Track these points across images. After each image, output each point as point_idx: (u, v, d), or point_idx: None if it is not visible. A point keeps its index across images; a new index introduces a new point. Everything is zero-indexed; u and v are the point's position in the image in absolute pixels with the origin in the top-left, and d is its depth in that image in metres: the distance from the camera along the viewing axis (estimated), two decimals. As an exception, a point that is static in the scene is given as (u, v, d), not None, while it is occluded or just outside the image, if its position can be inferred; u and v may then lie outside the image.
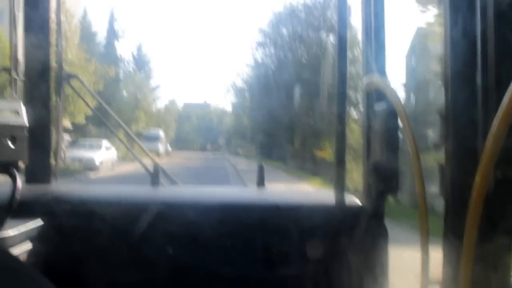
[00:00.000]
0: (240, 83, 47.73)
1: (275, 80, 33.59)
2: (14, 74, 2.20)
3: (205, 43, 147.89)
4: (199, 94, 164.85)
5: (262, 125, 38.26)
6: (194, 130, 77.59)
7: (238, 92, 48.53)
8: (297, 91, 27.33)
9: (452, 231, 1.35)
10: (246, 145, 60.46)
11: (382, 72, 1.75)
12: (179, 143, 73.31)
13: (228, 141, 70.55)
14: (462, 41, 1.35)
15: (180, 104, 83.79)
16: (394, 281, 1.78)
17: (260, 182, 2.28)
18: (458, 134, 1.35)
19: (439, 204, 1.70)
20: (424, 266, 1.32)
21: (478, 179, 1.11)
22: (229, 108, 75.85)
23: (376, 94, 1.75)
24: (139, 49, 64.68)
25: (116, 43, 56.07)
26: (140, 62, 63.03)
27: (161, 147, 39.26)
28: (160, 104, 62.48)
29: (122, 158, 28.47)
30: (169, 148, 52.29)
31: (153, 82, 62.88)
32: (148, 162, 2.53)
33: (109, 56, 47.82)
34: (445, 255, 1.38)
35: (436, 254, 1.38)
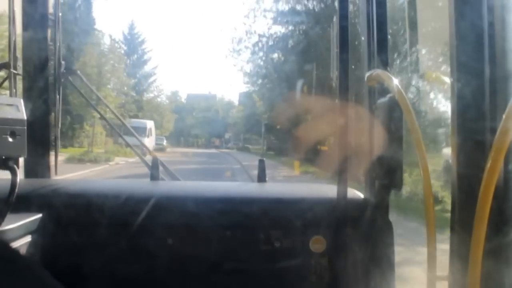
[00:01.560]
0: (251, 66, 37.91)
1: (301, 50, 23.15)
2: (12, 69, 2.19)
3: (209, 28, 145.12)
4: (203, 84, 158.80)
5: (279, 112, 25.26)
6: (198, 124, 68.60)
7: (248, 75, 39.24)
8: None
9: (460, 225, 1.33)
10: (258, 140, 54.26)
11: (385, 64, 1.73)
12: (181, 138, 67.96)
13: (236, 135, 64.03)
14: (469, 33, 1.34)
15: (183, 95, 77.92)
16: (401, 276, 1.77)
17: (261, 177, 2.26)
18: (465, 126, 1.34)
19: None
20: (431, 261, 1.30)
21: (487, 171, 1.09)
22: (235, 98, 70.21)
23: (379, 87, 1.74)
24: (131, 28, 56.52)
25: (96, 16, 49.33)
26: (133, 43, 55.21)
27: (147, 142, 29.36)
28: (156, 92, 56.41)
29: (78, 160, 22.58)
30: (164, 144, 45.45)
31: (147, 67, 56.16)
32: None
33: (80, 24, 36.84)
34: (452, 249, 1.36)
35: (444, 248, 1.37)
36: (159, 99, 55.50)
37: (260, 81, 34.89)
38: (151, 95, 54.48)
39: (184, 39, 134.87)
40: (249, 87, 43.47)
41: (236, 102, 68.70)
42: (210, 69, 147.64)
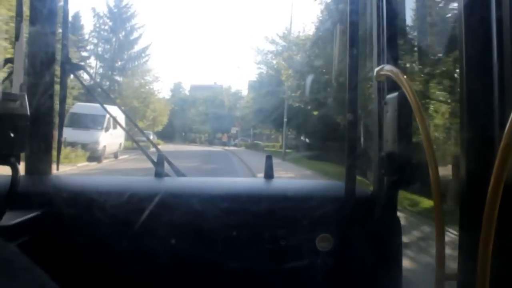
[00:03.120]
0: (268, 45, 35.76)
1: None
2: (18, 64, 2.18)
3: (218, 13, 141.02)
4: (208, 75, 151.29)
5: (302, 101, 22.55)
6: (201, 117, 60.16)
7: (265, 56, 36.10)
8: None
9: (469, 222, 1.31)
10: (270, 136, 48.77)
11: (394, 60, 1.72)
12: (182, 133, 61.75)
13: (244, 130, 54.34)
14: (478, 29, 1.33)
15: (187, 87, 71.07)
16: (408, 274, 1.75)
17: (268, 173, 2.24)
18: (474, 122, 1.32)
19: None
20: (439, 259, 1.28)
21: (496, 167, 1.07)
22: (243, 88, 61.65)
23: (388, 83, 1.72)
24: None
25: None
26: (120, 18, 45.43)
27: (104, 139, 21.20)
28: (141, 74, 45.42)
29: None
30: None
31: (138, 47, 46.80)
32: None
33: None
34: (461, 247, 1.35)
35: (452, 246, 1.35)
36: (148, 87, 44.67)
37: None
38: (142, 80, 43.82)
39: (188, 26, 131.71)
40: (261, 69, 38.48)
41: (244, 92, 61.66)
42: (215, 58, 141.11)
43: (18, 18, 2.20)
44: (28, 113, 1.49)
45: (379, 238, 1.74)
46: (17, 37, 2.19)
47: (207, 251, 1.78)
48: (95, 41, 43.99)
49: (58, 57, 2.30)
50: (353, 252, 1.76)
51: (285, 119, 28.45)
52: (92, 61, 43.60)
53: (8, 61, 2.21)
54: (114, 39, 45.68)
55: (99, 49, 45.96)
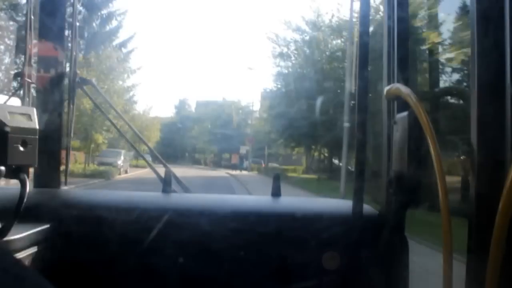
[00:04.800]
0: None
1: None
2: (27, 79, 2.20)
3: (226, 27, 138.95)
4: (216, 90, 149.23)
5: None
6: (205, 134, 54.38)
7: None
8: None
9: (478, 246, 1.30)
10: (289, 157, 42.57)
11: (405, 81, 1.72)
12: (183, 154, 57.16)
13: (256, 148, 44.98)
14: (490, 52, 1.32)
15: (193, 104, 66.87)
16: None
17: (276, 192, 2.23)
18: (485, 145, 1.31)
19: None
20: (447, 283, 1.27)
21: (506, 191, 1.06)
22: (252, 101, 54.15)
23: (398, 103, 1.72)
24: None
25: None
26: (93, 3, 33.06)
27: None
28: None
29: None
30: (119, 162, 30.08)
31: (119, 41, 35.33)
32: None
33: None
34: (469, 272, 1.33)
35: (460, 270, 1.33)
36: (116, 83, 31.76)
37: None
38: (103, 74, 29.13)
39: (197, 40, 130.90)
40: (280, 67, 32.18)
41: (256, 106, 52.96)
42: (223, 73, 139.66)
43: (27, 33, 2.22)
44: (38, 127, 1.50)
45: (386, 259, 1.72)
46: (26, 52, 2.21)
47: (214, 270, 1.77)
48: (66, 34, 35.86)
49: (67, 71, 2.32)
50: (360, 272, 1.75)
51: (346, 124, 18.60)
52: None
53: (17, 75, 2.23)
54: (86, 30, 32.93)
55: (69, 45, 36.94)
